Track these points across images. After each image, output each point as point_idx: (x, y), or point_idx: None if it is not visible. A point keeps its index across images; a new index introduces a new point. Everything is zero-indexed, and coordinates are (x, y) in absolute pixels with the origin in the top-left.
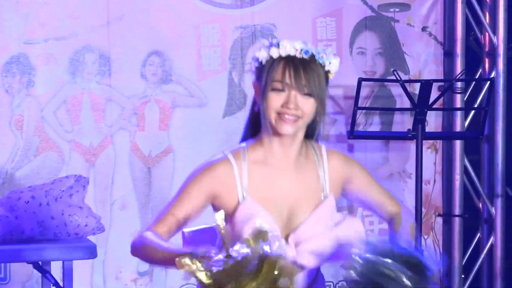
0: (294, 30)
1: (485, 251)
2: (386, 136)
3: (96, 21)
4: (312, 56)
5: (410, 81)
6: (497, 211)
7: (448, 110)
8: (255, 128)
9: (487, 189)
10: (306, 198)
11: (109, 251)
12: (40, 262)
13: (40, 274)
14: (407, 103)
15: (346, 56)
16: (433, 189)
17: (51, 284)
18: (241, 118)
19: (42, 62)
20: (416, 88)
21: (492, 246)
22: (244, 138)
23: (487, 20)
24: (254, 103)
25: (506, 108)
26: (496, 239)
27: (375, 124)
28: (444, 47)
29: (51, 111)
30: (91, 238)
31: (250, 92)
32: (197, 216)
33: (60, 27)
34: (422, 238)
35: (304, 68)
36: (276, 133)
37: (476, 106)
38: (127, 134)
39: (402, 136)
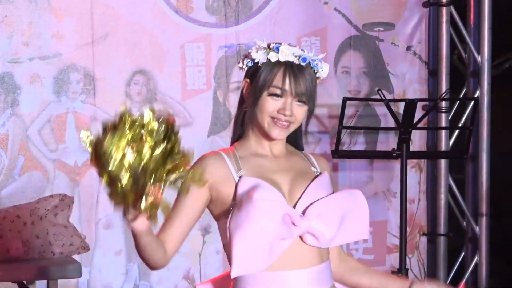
0: None
1: (469, 270)
2: (371, 155)
3: (81, 40)
4: (309, 63)
5: (395, 100)
6: (481, 230)
7: (433, 129)
8: (242, 126)
9: (471, 208)
10: (301, 177)
11: (94, 270)
12: (25, 282)
13: None
14: (391, 123)
15: (330, 75)
16: (418, 208)
17: None
18: (226, 137)
19: (26, 81)
20: (400, 108)
21: (476, 265)
22: (235, 138)
23: (472, 40)
24: (242, 100)
25: (491, 127)
26: (481, 258)
27: (359, 143)
28: (429, 66)
29: (36, 130)
30: (76, 257)
31: (234, 111)
32: (200, 214)
33: (44, 46)
34: (407, 258)
35: (302, 75)
36: (266, 135)
37: (460, 125)
38: None
39: (386, 155)
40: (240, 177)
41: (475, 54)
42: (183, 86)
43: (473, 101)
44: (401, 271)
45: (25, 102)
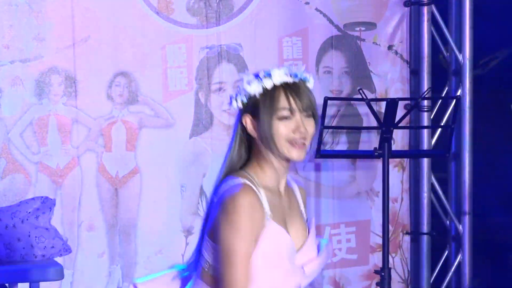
0: (260, 50)
1: (453, 269)
2: (353, 155)
3: (62, 42)
4: (300, 78)
5: (376, 99)
6: (464, 228)
7: (415, 128)
8: (235, 164)
9: (454, 207)
10: (299, 219)
11: (77, 273)
12: (7, 285)
13: None
14: (374, 122)
15: (312, 75)
16: (401, 207)
17: None
18: (208, 138)
19: (8, 84)
20: (382, 107)
21: (460, 263)
22: (224, 175)
23: (453, 38)
24: (236, 139)
25: (473, 126)
26: (464, 257)
27: (342, 143)
28: (410, 65)
29: (17, 133)
30: (58, 259)
31: (216, 112)
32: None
33: (25, 49)
34: (390, 257)
35: (302, 90)
36: (284, 163)
37: (442, 124)
38: (94, 155)
39: (368, 155)
40: (268, 219)
41: (457, 53)
42: (165, 87)
43: (455, 100)
44: (384, 270)
45: (7, 105)
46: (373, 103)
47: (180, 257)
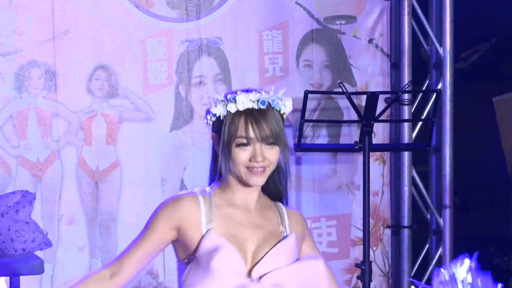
0: (240, 43)
1: (434, 262)
2: (333, 148)
3: (41, 36)
4: (269, 104)
5: (356, 93)
6: (445, 222)
7: (395, 121)
8: (216, 172)
9: (435, 200)
10: (269, 236)
11: (57, 266)
12: None
13: None
14: (354, 115)
15: (292, 68)
16: (381, 201)
17: None
18: (189, 131)
19: None
20: (363, 100)
21: (440, 257)
22: (212, 180)
23: (433, 32)
24: (213, 153)
25: (454, 119)
26: (445, 250)
27: (322, 137)
28: (391, 59)
29: None
30: (39, 253)
31: (197, 106)
32: (160, 251)
33: (5, 42)
34: (371, 250)
35: (264, 118)
36: (245, 184)
37: (423, 117)
38: (74, 149)
39: (349, 148)
40: (208, 230)
41: (437, 46)
42: (145, 81)
43: (435, 93)
44: (365, 263)
45: None
46: (353, 97)
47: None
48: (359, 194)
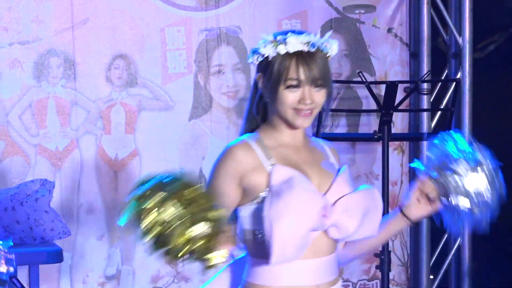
0: (259, 32)
1: (452, 252)
2: (352, 137)
3: (60, 25)
4: (318, 47)
5: (376, 82)
6: None
7: (414, 111)
8: (255, 119)
9: None
10: (326, 170)
11: (76, 255)
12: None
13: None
14: (373, 105)
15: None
16: (400, 190)
17: None
18: (207, 121)
19: (6, 66)
20: (382, 90)
21: (459, 247)
22: (245, 131)
23: (453, 21)
24: (254, 95)
25: (473, 109)
26: (464, 240)
27: (341, 126)
28: (410, 48)
29: (16, 116)
30: (58, 242)
31: (215, 95)
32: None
33: (24, 31)
34: (390, 240)
35: (314, 61)
36: (290, 125)
37: (442, 107)
38: (93, 138)
39: (368, 138)
40: (273, 165)
41: (456, 35)
42: (164, 70)
43: (454, 83)
44: (384, 253)
45: (5, 87)
46: (372, 86)
47: None
48: (378, 184)
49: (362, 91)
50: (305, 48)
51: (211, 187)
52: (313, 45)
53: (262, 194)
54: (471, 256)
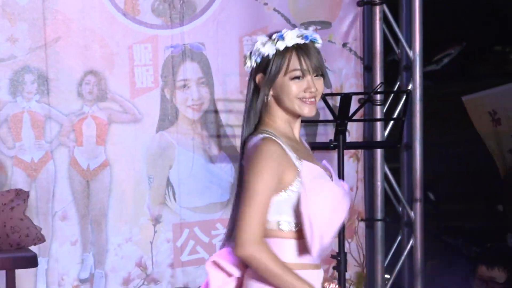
0: (222, 48)
1: (405, 253)
2: (310, 146)
3: (34, 43)
4: (310, 39)
5: (331, 94)
6: (416, 214)
7: (368, 121)
8: (253, 120)
9: (406, 195)
10: (316, 162)
11: (52, 260)
12: None
13: None
14: (329, 115)
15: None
16: (356, 196)
17: None
18: (174, 132)
19: None
20: (338, 101)
21: (412, 247)
22: (247, 133)
23: (404, 36)
24: (254, 96)
25: (423, 118)
26: (416, 241)
27: (300, 135)
28: (364, 62)
29: None
30: (34, 248)
31: (181, 108)
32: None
33: None
34: (346, 242)
35: (310, 51)
36: (295, 117)
37: (394, 116)
38: (66, 150)
39: (325, 146)
40: (300, 160)
41: (407, 49)
42: (132, 84)
43: (405, 94)
44: (341, 254)
45: None
46: (328, 98)
47: (148, 245)
48: None
49: (319, 103)
50: (301, 41)
51: (257, 180)
52: (306, 37)
53: (292, 188)
54: (423, 257)
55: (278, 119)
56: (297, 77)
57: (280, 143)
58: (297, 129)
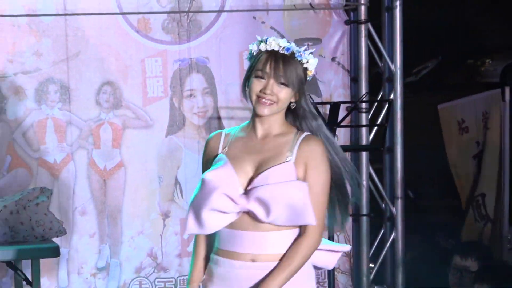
0: (224, 61)
1: (388, 245)
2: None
3: (57, 57)
4: (292, 53)
5: (321, 103)
6: (397, 210)
7: (354, 127)
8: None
9: (389, 192)
10: (269, 160)
11: (72, 251)
12: (12, 261)
13: (13, 272)
14: None
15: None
16: None
17: (22, 279)
18: (181, 136)
19: (12, 92)
20: (327, 109)
21: (394, 240)
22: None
23: (386, 51)
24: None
25: (404, 124)
26: (397, 235)
27: None
28: (351, 74)
29: (20, 134)
30: (56, 240)
31: (188, 115)
32: None
33: (26, 63)
34: (335, 235)
35: (283, 61)
36: (256, 113)
37: (378, 123)
38: (85, 152)
39: None
40: (217, 154)
41: (389, 63)
42: (144, 94)
43: (388, 103)
44: None
45: (11, 110)
46: (319, 106)
47: (158, 237)
48: None
49: None
50: (281, 50)
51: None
52: (288, 49)
53: None
54: (403, 248)
55: (253, 111)
56: (260, 77)
57: (222, 137)
58: (263, 126)
